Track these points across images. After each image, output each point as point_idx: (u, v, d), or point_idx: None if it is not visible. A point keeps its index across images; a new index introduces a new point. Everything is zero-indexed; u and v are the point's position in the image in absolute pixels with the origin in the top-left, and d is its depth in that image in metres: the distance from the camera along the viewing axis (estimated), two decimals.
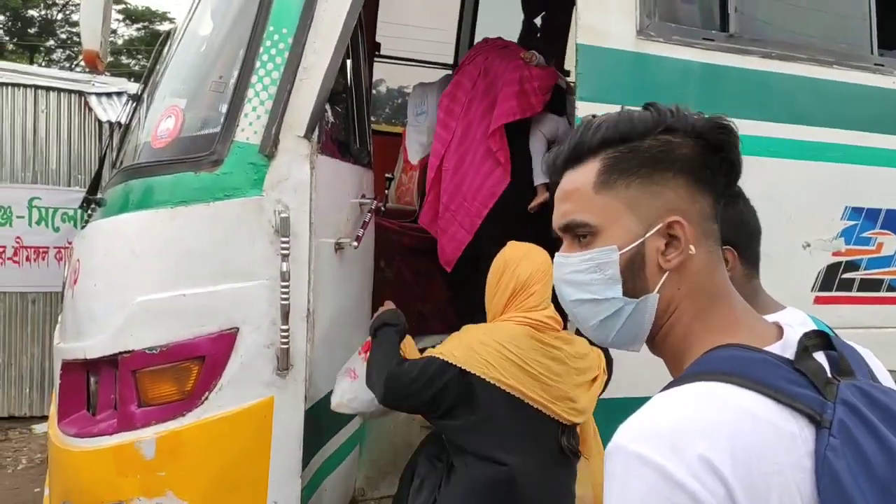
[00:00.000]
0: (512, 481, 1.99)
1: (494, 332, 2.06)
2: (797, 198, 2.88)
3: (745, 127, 2.64)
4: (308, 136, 2.20)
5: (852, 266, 2.96)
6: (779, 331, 0.87)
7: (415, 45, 5.87)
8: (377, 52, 5.21)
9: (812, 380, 0.78)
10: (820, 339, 0.84)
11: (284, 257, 2.16)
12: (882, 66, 2.99)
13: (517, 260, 2.12)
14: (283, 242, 2.15)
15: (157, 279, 2.14)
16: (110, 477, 2.18)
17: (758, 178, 2.84)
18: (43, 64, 19.06)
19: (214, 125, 2.19)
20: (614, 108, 2.54)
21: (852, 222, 2.94)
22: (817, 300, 2.94)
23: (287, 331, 2.18)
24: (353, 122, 2.88)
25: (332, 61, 2.19)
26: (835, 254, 2.93)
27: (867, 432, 0.74)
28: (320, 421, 2.46)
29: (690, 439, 0.73)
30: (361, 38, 2.81)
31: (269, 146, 2.15)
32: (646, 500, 0.72)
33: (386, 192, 4.63)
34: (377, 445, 3.12)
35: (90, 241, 2.30)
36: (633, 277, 0.88)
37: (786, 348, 0.83)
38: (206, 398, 2.19)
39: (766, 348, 0.83)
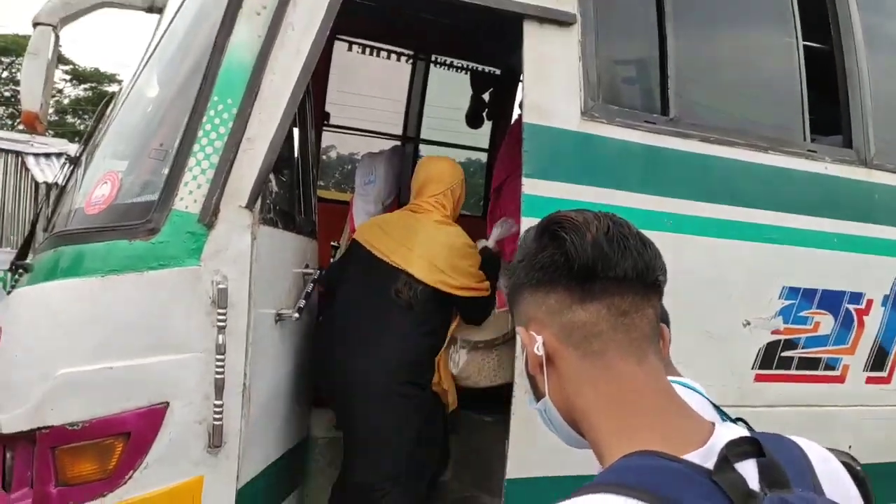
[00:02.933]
0: None
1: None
2: (737, 277, 2.94)
3: (685, 207, 2.70)
4: (250, 206, 2.17)
5: (791, 344, 3.01)
6: (709, 432, 0.84)
7: (365, 115, 5.94)
8: (326, 122, 5.25)
9: (729, 494, 0.74)
10: (750, 445, 0.81)
11: (221, 329, 2.09)
12: (814, 152, 3.10)
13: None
14: (220, 314, 2.08)
15: (82, 351, 2.04)
16: None
17: (699, 258, 2.93)
18: None
19: (152, 192, 2.14)
20: (559, 186, 2.59)
21: (790, 301, 3.00)
22: (758, 378, 2.97)
23: (221, 406, 2.09)
24: (298, 192, 2.86)
25: (276, 133, 2.18)
26: (774, 332, 2.98)
27: None
28: (254, 500, 2.35)
29: None
30: (309, 108, 2.81)
31: (209, 216, 2.10)
32: None
33: (332, 260, 4.62)
34: None
35: (14, 308, 2.19)
36: (532, 382, 0.95)
37: (708, 456, 0.80)
38: (131, 477, 2.08)
39: (687, 455, 0.80)
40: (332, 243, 4.59)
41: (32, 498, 2.05)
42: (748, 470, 0.78)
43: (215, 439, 2.10)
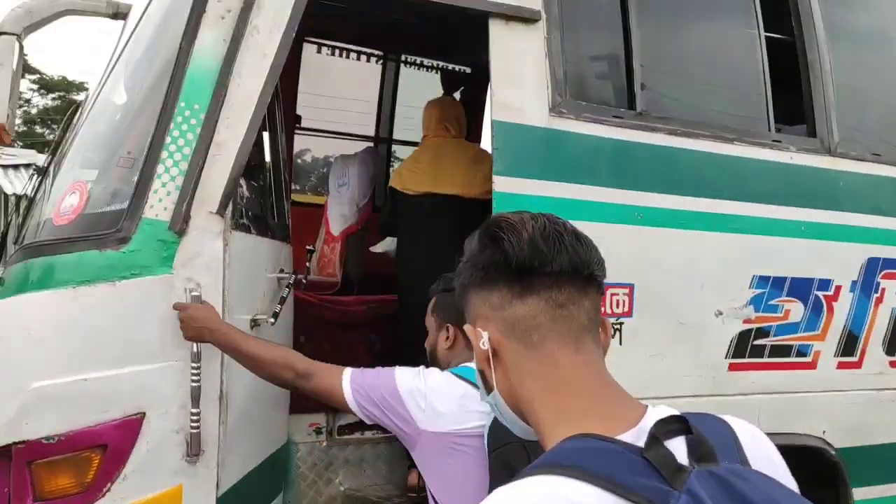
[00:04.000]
0: None
1: None
2: (708, 268, 2.97)
3: (655, 200, 2.73)
4: (221, 211, 2.16)
5: (762, 333, 3.05)
6: (641, 414, 0.90)
7: (337, 117, 5.92)
8: (298, 125, 5.22)
9: (659, 469, 0.79)
10: (678, 423, 0.86)
11: None
12: (779, 141, 3.15)
13: None
14: None
15: (55, 363, 2.02)
16: None
17: (670, 250, 2.96)
18: None
19: (122, 201, 2.12)
20: (530, 183, 2.60)
21: (760, 290, 3.03)
22: (731, 367, 3.01)
23: (198, 414, 2.08)
24: (270, 197, 2.85)
25: (245, 137, 2.17)
26: (745, 321, 3.01)
27: None
28: None
29: None
30: (279, 111, 2.81)
31: (180, 223, 2.09)
32: None
33: (307, 264, 4.60)
34: None
35: None
36: (482, 377, 1.02)
37: (640, 436, 0.85)
38: (108, 490, 2.06)
39: (620, 436, 0.85)
40: (307, 247, 4.55)
41: None
42: (677, 446, 0.83)
43: (193, 448, 2.09)
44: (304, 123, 5.14)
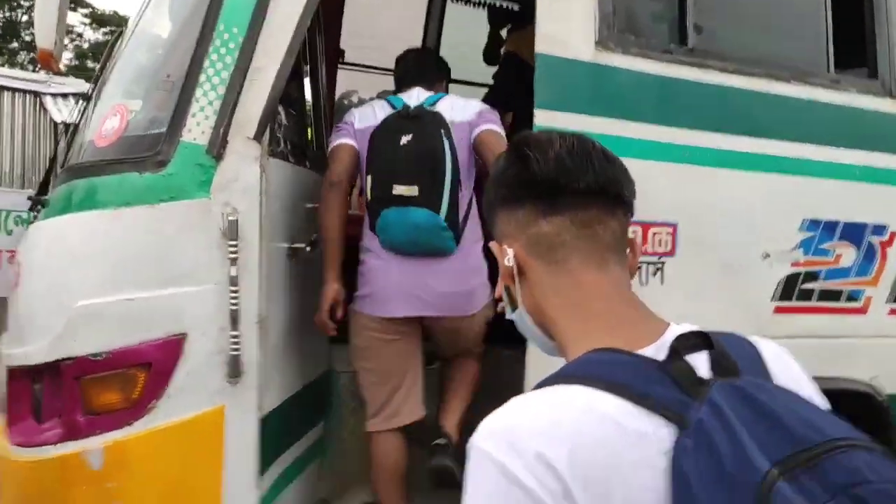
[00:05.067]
0: None
1: None
2: (756, 209, 2.89)
3: (703, 140, 2.65)
4: (258, 137, 2.15)
5: (811, 276, 2.97)
6: (663, 331, 0.90)
7: (381, 56, 5.85)
8: (341, 60, 5.18)
9: (678, 381, 0.80)
10: (700, 338, 0.86)
11: (233, 261, 2.10)
12: (838, 82, 3.01)
13: None
14: (231, 246, 2.10)
15: (99, 283, 2.07)
16: (56, 488, 2.10)
17: (716, 190, 2.88)
18: (4, 66, 18.77)
19: (161, 125, 2.13)
20: (572, 117, 2.55)
21: (810, 234, 2.95)
22: (777, 310, 2.95)
23: (237, 337, 2.12)
24: (309, 128, 2.84)
25: (284, 62, 2.15)
26: (794, 264, 2.94)
27: (724, 431, 0.74)
28: (277, 430, 2.40)
29: (529, 438, 0.77)
30: (320, 41, 2.78)
31: (217, 147, 2.10)
32: (488, 495, 0.77)
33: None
34: (340, 455, 3.05)
35: (31, 242, 2.23)
36: (508, 293, 1.02)
37: (659, 350, 0.85)
38: (154, 406, 2.12)
39: (640, 351, 0.85)
40: None
41: (62, 427, 2.10)
42: (699, 361, 0.84)
43: (233, 370, 2.13)
44: (351, 60, 5.09)
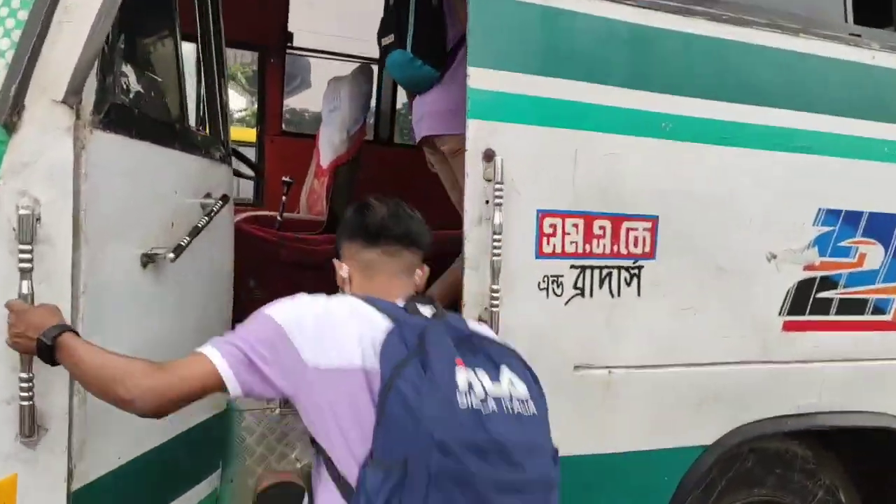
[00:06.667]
0: None
1: None
2: (758, 197, 2.33)
3: (689, 107, 2.03)
4: (70, 100, 1.55)
5: (829, 283, 2.41)
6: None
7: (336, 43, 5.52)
8: (289, 44, 4.87)
9: (405, 308, 1.59)
10: (429, 301, 1.65)
11: (25, 274, 1.50)
12: (858, 35, 2.44)
13: None
14: (23, 251, 1.50)
15: None
16: None
17: (707, 172, 2.27)
18: None
19: None
20: (516, 78, 1.96)
21: (827, 228, 2.39)
22: (787, 326, 2.38)
23: (29, 381, 1.51)
24: (196, 104, 2.26)
25: None
26: (807, 267, 2.39)
27: (413, 328, 1.50)
28: (117, 501, 1.79)
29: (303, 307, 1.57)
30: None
31: (6, 114, 1.50)
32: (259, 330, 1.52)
33: (283, 198, 4.07)
34: None
35: None
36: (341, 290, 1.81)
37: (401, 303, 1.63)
38: None
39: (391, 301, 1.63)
40: (283, 179, 4.04)
41: None
42: (425, 310, 1.61)
43: (27, 426, 1.53)
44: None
